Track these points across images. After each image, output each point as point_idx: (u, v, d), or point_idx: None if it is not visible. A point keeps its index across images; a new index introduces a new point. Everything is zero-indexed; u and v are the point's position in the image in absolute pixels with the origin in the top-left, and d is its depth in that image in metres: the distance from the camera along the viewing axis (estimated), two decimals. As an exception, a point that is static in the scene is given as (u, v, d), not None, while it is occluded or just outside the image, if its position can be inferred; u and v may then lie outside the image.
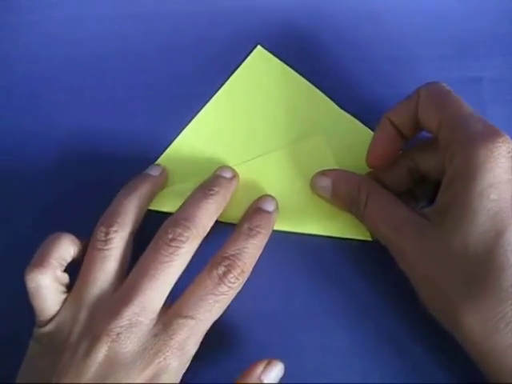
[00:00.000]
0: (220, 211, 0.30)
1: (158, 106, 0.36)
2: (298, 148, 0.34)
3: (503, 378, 0.24)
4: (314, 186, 0.33)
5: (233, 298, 0.28)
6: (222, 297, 0.27)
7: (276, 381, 0.27)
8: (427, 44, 0.38)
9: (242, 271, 0.28)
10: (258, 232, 0.29)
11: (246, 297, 0.29)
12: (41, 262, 0.27)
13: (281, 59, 0.37)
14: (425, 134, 0.30)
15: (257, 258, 0.29)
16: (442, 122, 0.27)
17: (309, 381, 0.30)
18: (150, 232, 0.29)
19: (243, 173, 0.33)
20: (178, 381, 0.26)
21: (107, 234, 0.28)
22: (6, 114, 0.36)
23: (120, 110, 0.36)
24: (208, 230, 0.29)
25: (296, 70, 0.37)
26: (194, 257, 0.28)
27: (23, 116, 0.36)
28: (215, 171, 0.32)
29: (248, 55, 0.37)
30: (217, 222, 0.30)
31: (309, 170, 0.33)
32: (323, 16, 0.38)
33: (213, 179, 0.31)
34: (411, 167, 0.31)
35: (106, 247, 0.28)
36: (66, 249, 0.28)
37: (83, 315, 0.27)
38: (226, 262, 0.28)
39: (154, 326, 0.26)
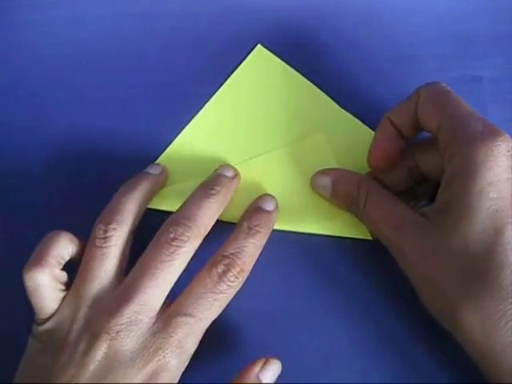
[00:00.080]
0: (221, 210, 0.30)
1: (158, 106, 0.36)
2: (298, 147, 0.34)
3: (503, 378, 0.24)
4: (313, 184, 0.33)
5: (232, 296, 0.28)
6: (221, 295, 0.27)
7: (274, 379, 0.27)
8: (427, 44, 0.38)
9: (242, 270, 0.28)
10: (258, 231, 0.29)
11: (245, 296, 0.29)
12: (39, 261, 0.27)
13: (281, 59, 0.37)
14: (425, 133, 0.30)
15: (256, 256, 0.29)
16: (441, 122, 0.27)
17: (309, 381, 0.30)
18: (149, 230, 0.29)
19: (243, 172, 0.33)
20: (178, 379, 0.26)
21: (106, 231, 0.28)
22: (6, 114, 0.36)
23: (120, 110, 0.36)
24: (209, 229, 0.29)
25: (296, 70, 0.37)
26: (193, 256, 0.28)
27: (23, 115, 0.36)
28: (216, 169, 0.32)
29: (248, 55, 0.37)
30: (217, 221, 0.30)
31: (309, 169, 0.33)
32: (323, 16, 0.39)
33: (214, 178, 0.31)
34: (411, 167, 0.31)
35: (104, 245, 0.28)
36: (64, 247, 0.28)
37: (82, 313, 0.27)
38: (226, 261, 0.28)
39: (154, 324, 0.26)
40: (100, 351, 0.25)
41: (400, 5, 0.39)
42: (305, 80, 0.36)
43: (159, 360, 0.25)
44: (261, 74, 0.37)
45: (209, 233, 0.29)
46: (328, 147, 0.34)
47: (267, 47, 0.37)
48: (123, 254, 0.29)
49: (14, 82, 0.37)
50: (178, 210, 0.29)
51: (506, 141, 0.25)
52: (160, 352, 0.26)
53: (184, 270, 0.28)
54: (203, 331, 0.27)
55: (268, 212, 0.30)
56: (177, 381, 0.26)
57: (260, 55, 0.37)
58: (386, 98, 0.36)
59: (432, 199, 0.29)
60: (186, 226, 0.28)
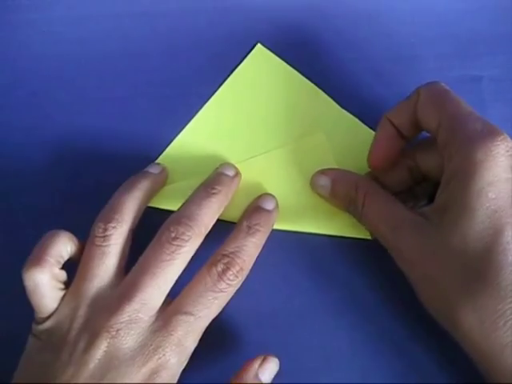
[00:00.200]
0: (222, 210, 0.30)
1: (158, 106, 0.36)
2: (298, 146, 0.34)
3: (502, 377, 0.24)
4: (313, 184, 0.33)
5: (232, 295, 0.28)
6: (221, 294, 0.27)
7: (272, 377, 0.27)
8: (427, 43, 0.38)
9: (241, 269, 0.28)
10: (257, 230, 0.29)
11: (245, 296, 0.29)
12: (38, 260, 0.27)
13: (281, 59, 0.37)
14: (425, 133, 0.30)
15: (256, 256, 0.29)
16: (441, 122, 0.27)
17: (309, 381, 0.30)
18: (149, 229, 0.29)
19: (243, 171, 0.33)
20: (177, 377, 0.26)
21: (105, 230, 0.28)
22: (6, 113, 0.36)
23: (120, 110, 0.36)
24: (209, 228, 0.29)
25: (296, 70, 0.37)
26: (194, 255, 0.28)
27: (23, 115, 0.36)
28: (217, 168, 0.32)
29: (248, 55, 0.37)
30: (217, 220, 0.30)
31: (309, 169, 0.33)
32: (323, 16, 0.39)
33: (215, 177, 0.31)
34: (412, 166, 0.31)
35: (104, 243, 0.28)
36: (63, 246, 0.28)
37: (82, 311, 0.27)
38: (226, 260, 0.28)
39: (154, 322, 0.26)
40: (100, 349, 0.25)
41: (400, 5, 0.39)
42: (305, 79, 0.36)
43: (159, 358, 0.25)
44: (261, 73, 0.37)
45: (209, 232, 0.29)
46: (328, 147, 0.34)
47: (267, 47, 0.37)
48: (123, 253, 0.29)
49: (13, 82, 0.37)
50: (179, 210, 0.29)
51: (505, 141, 0.25)
52: (160, 350, 0.26)
53: (184, 269, 0.28)
54: (203, 330, 0.27)
55: (268, 211, 0.30)
56: (177, 379, 0.26)
57: (260, 54, 0.37)
58: (386, 98, 0.36)
59: (432, 199, 0.29)
60: (187, 226, 0.28)
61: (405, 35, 0.38)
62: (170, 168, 0.33)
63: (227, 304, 0.28)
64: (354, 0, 0.39)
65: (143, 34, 0.38)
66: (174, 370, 0.26)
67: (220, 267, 0.27)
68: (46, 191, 0.35)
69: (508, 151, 0.25)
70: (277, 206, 0.31)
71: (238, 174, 0.32)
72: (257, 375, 0.26)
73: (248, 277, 0.28)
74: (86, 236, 0.29)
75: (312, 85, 0.36)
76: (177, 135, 0.35)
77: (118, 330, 0.25)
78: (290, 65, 0.37)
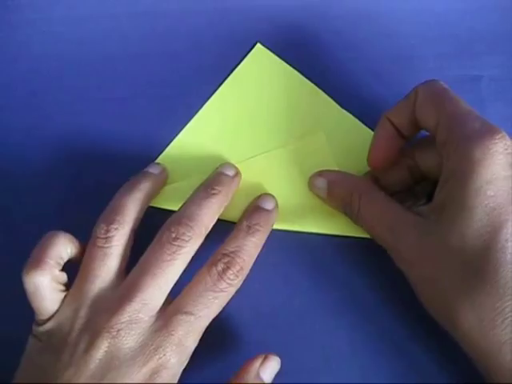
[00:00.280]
0: (222, 210, 0.30)
1: (158, 106, 0.36)
2: (298, 146, 0.34)
3: (500, 375, 0.24)
4: (310, 185, 0.33)
5: (232, 294, 0.28)
6: (221, 293, 0.27)
7: (273, 375, 0.27)
8: (427, 43, 0.38)
9: (241, 268, 0.28)
10: (257, 230, 0.29)
11: (245, 295, 0.29)
12: (38, 263, 0.27)
13: (281, 59, 0.37)
14: (424, 132, 0.30)
15: (256, 255, 0.29)
16: (439, 121, 0.27)
17: (309, 380, 0.30)
18: (150, 229, 0.29)
19: (243, 171, 0.33)
20: (178, 377, 0.26)
21: (107, 231, 0.28)
22: (5, 113, 0.36)
23: (120, 110, 0.36)
24: (210, 228, 0.29)
25: (296, 70, 0.37)
26: (194, 255, 0.28)
27: (22, 115, 0.36)
28: (217, 168, 0.32)
29: (248, 54, 0.37)
30: (217, 220, 0.30)
31: (308, 169, 0.33)
32: (323, 16, 0.39)
33: (215, 177, 0.31)
34: (411, 165, 0.31)
35: (106, 245, 0.28)
36: (63, 247, 0.28)
37: (83, 312, 0.27)
38: (226, 259, 0.28)
39: (154, 322, 0.26)
40: (101, 350, 0.25)
41: (400, 5, 0.39)
42: (305, 79, 0.36)
43: (160, 358, 0.25)
44: (260, 72, 0.37)
45: (209, 232, 0.29)
46: (327, 147, 0.34)
47: (267, 47, 0.37)
48: (125, 254, 0.29)
49: (13, 81, 0.37)
50: (179, 210, 0.29)
51: (504, 139, 0.25)
52: (160, 350, 0.26)
53: (184, 269, 0.28)
54: (203, 329, 0.27)
55: (267, 211, 0.30)
56: (177, 379, 0.26)
57: (260, 54, 0.37)
58: (386, 98, 0.35)
59: (431, 198, 0.29)
60: (187, 226, 0.28)
61: (404, 35, 0.38)
62: (170, 168, 0.33)
63: (227, 304, 0.28)
64: (354, 0, 0.39)
65: (143, 34, 0.38)
66: (174, 369, 0.26)
67: (220, 267, 0.27)
68: (46, 191, 0.35)
69: (506, 149, 0.25)
70: (276, 205, 0.31)
71: (238, 173, 0.32)
72: (258, 374, 0.26)
73: (248, 277, 0.28)
74: (86, 236, 0.29)
75: (312, 85, 0.36)
76: (177, 135, 0.35)
77: (118, 330, 0.25)
78: (290, 65, 0.37)
